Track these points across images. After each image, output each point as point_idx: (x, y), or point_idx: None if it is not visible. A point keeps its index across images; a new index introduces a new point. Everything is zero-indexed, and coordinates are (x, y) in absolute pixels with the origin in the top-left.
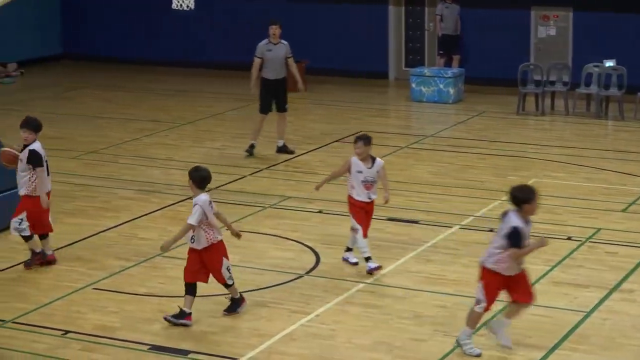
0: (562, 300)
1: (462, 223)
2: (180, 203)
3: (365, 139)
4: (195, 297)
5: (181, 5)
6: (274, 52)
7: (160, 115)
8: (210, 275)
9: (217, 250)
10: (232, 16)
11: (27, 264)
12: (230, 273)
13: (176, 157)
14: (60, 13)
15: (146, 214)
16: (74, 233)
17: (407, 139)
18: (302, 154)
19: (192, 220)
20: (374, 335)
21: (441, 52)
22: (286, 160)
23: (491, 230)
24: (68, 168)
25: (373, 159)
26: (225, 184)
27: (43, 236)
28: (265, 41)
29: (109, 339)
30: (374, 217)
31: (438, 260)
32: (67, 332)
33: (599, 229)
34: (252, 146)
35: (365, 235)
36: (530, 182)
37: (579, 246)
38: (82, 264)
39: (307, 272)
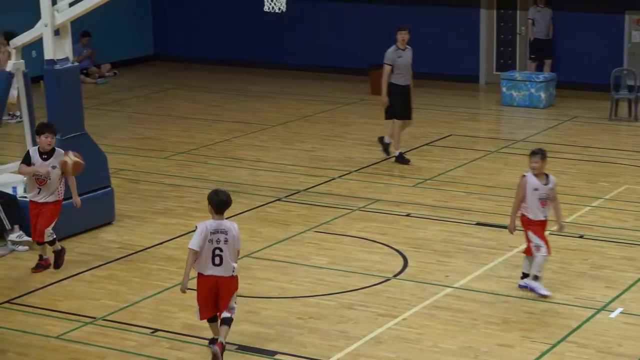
0: None
1: (552, 229)
2: (269, 204)
3: (542, 154)
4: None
5: (273, 7)
6: (404, 58)
7: (249, 117)
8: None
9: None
10: (322, 18)
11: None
12: None
13: (265, 158)
14: (151, 15)
15: (235, 215)
16: (164, 233)
17: (497, 144)
18: (391, 157)
19: (191, 243)
20: (461, 340)
21: (533, 56)
22: (375, 164)
23: (581, 237)
24: (159, 168)
25: (546, 175)
26: (314, 186)
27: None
28: (393, 47)
29: (196, 337)
30: (463, 221)
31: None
32: (155, 330)
33: None
34: (401, 155)
35: (549, 253)
36: (622, 189)
37: None
38: (172, 263)
39: (395, 275)
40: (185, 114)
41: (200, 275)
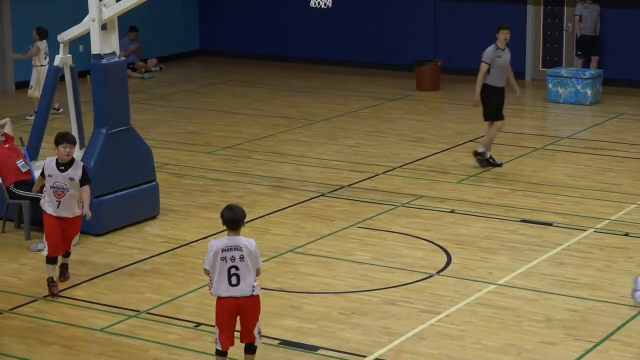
0: None
1: (597, 226)
2: (313, 200)
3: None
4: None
5: (319, 2)
6: (503, 59)
7: (294, 112)
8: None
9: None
10: (367, 13)
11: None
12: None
13: (309, 154)
14: (197, 10)
15: (279, 210)
16: (208, 227)
17: (543, 140)
18: (435, 153)
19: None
20: (504, 337)
21: (579, 52)
22: (419, 160)
23: (627, 235)
24: (203, 163)
25: None
26: (358, 181)
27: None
28: (493, 47)
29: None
30: (507, 218)
31: (571, 263)
32: (198, 324)
33: None
34: (490, 158)
35: None
36: None
37: None
38: None
39: (438, 272)
40: (230, 108)
41: (218, 299)
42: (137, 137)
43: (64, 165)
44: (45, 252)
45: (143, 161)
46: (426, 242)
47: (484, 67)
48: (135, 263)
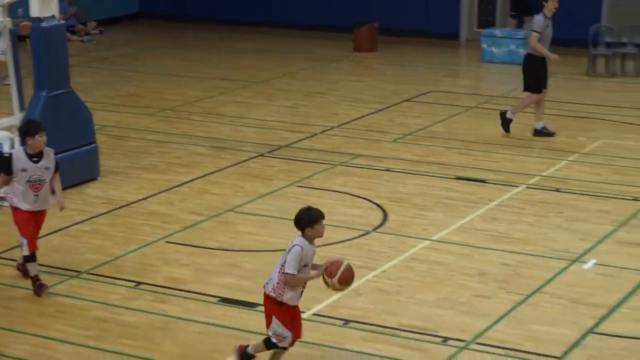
0: (626, 260)
1: (529, 183)
2: (251, 160)
3: None
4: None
5: None
6: (550, 28)
7: (233, 74)
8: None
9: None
10: None
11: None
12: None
13: (248, 114)
14: None
15: (218, 170)
16: (148, 188)
17: (477, 99)
18: (372, 113)
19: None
20: (438, 292)
21: (513, 13)
22: (356, 120)
23: (557, 190)
24: (143, 125)
25: None
26: (297, 141)
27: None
28: (542, 16)
29: (179, 290)
30: (442, 175)
31: (504, 219)
32: (139, 283)
33: None
34: (544, 129)
35: None
36: (598, 144)
37: None
38: (156, 218)
39: (375, 229)
40: (170, 71)
41: None
42: (77, 99)
43: (36, 155)
44: (25, 252)
45: (83, 123)
46: (363, 200)
47: (534, 35)
48: (75, 224)
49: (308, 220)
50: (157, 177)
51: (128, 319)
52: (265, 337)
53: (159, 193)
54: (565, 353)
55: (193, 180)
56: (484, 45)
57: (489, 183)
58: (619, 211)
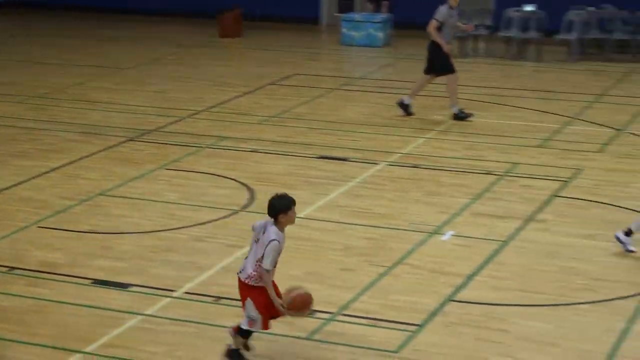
0: (481, 231)
1: (389, 160)
2: (121, 144)
3: None
4: (135, 234)
5: None
6: (453, 19)
7: (102, 61)
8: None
9: None
10: None
11: None
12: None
13: (118, 100)
14: None
15: (89, 155)
16: (19, 174)
17: (338, 81)
18: (238, 97)
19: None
20: (306, 266)
21: None
22: (222, 103)
23: (415, 167)
24: (12, 112)
25: None
26: (165, 125)
27: None
28: (447, 7)
29: (53, 274)
30: (306, 155)
31: (366, 195)
32: (12, 268)
33: (517, 164)
34: (462, 112)
35: None
36: (453, 121)
37: (497, 180)
38: (27, 203)
39: (243, 208)
40: (39, 59)
41: None
42: None
43: None
44: None
45: None
46: (231, 181)
47: (434, 23)
48: None
49: (282, 206)
50: (28, 164)
51: (2, 303)
52: (236, 327)
53: (30, 179)
54: (426, 321)
55: (64, 165)
56: (344, 29)
57: (351, 161)
58: (474, 185)
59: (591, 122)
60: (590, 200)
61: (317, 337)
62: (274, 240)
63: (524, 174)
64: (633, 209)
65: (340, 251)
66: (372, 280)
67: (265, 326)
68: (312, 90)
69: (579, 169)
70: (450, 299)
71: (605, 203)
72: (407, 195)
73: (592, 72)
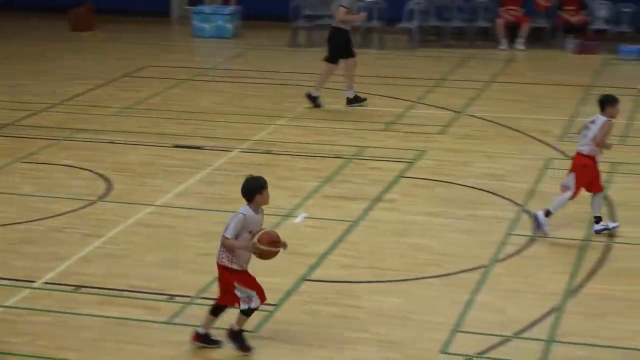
0: (333, 212)
1: (242, 147)
2: None
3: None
4: None
5: None
6: (357, 6)
7: None
8: None
9: None
10: None
11: None
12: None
13: None
14: None
15: None
16: None
17: (190, 72)
18: (92, 89)
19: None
20: (165, 253)
21: None
22: (78, 96)
23: (268, 152)
24: None
25: None
26: (21, 119)
27: None
28: None
29: None
30: (162, 144)
31: (221, 181)
32: None
33: (364, 147)
34: (356, 97)
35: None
36: (303, 108)
37: (346, 163)
38: None
39: (100, 198)
40: None
41: None
42: None
43: None
44: None
45: None
46: (88, 172)
47: (342, 10)
48: None
49: (257, 186)
50: None
51: None
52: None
53: None
54: (282, 300)
55: None
56: (195, 22)
57: (205, 149)
58: (324, 168)
59: (432, 106)
60: (434, 180)
61: (177, 320)
62: (239, 213)
63: (372, 156)
64: (473, 186)
65: (197, 237)
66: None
67: (263, 297)
68: (166, 82)
69: (422, 150)
70: (305, 279)
71: (447, 182)
72: None
73: (432, 58)
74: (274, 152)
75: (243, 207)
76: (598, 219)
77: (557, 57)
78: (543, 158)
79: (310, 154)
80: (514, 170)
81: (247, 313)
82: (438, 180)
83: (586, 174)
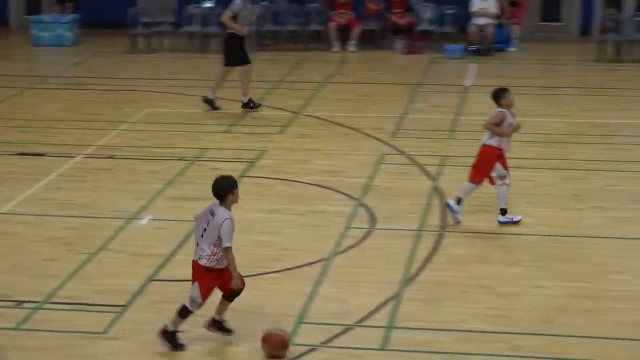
0: (177, 213)
1: (85, 152)
2: None
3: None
4: None
5: None
6: (246, 11)
7: None
8: None
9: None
10: None
11: None
12: None
13: None
14: None
15: None
16: None
17: (32, 81)
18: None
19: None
20: (11, 260)
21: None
22: None
23: (111, 157)
24: None
25: None
26: None
27: None
28: (241, 1)
29: None
30: (5, 153)
31: (65, 187)
32: None
33: (206, 149)
34: (251, 102)
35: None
36: (144, 113)
37: (189, 165)
38: None
39: None
40: None
41: None
42: None
43: None
44: None
45: None
46: None
47: (228, 13)
48: None
49: (228, 186)
50: None
51: None
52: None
53: None
54: (130, 301)
55: None
56: (34, 31)
57: (49, 156)
58: (167, 171)
59: (271, 107)
60: (274, 178)
61: (25, 326)
62: (227, 219)
63: (213, 157)
64: (312, 183)
65: (43, 242)
66: (77, 267)
67: (201, 305)
68: (7, 91)
69: (263, 150)
70: (151, 279)
71: (287, 180)
72: (104, 185)
73: (269, 61)
74: (118, 156)
75: (222, 211)
76: (459, 200)
77: (387, 57)
78: (377, 154)
79: (152, 157)
80: (349, 166)
81: (183, 314)
82: (278, 179)
83: (491, 164)
